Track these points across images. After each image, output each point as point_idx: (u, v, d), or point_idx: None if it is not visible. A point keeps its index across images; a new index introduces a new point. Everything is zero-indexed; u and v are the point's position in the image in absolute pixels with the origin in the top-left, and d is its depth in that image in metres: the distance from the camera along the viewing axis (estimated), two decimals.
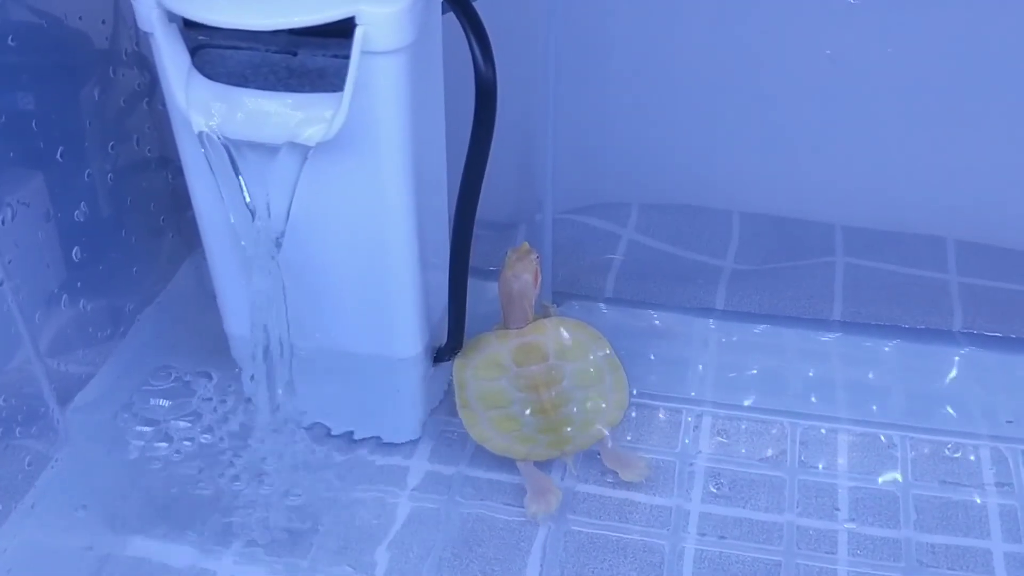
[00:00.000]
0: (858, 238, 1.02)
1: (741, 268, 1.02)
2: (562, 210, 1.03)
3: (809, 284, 0.99)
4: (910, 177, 0.98)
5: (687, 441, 0.88)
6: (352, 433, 0.88)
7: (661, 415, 0.91)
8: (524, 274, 0.84)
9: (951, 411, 0.90)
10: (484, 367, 0.85)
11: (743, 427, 0.90)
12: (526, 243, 0.87)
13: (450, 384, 0.88)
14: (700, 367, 0.95)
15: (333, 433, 0.88)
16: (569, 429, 0.83)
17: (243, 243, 0.73)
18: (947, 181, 0.97)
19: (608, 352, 0.86)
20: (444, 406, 0.90)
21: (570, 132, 0.95)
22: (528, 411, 0.84)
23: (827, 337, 0.96)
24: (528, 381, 0.84)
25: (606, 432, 0.85)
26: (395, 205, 0.73)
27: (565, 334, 0.86)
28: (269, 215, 0.72)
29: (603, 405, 0.84)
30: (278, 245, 0.73)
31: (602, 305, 1.00)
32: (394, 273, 0.77)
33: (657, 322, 0.99)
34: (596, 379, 0.85)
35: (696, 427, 0.90)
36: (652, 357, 0.96)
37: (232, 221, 0.72)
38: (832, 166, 0.99)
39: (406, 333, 0.81)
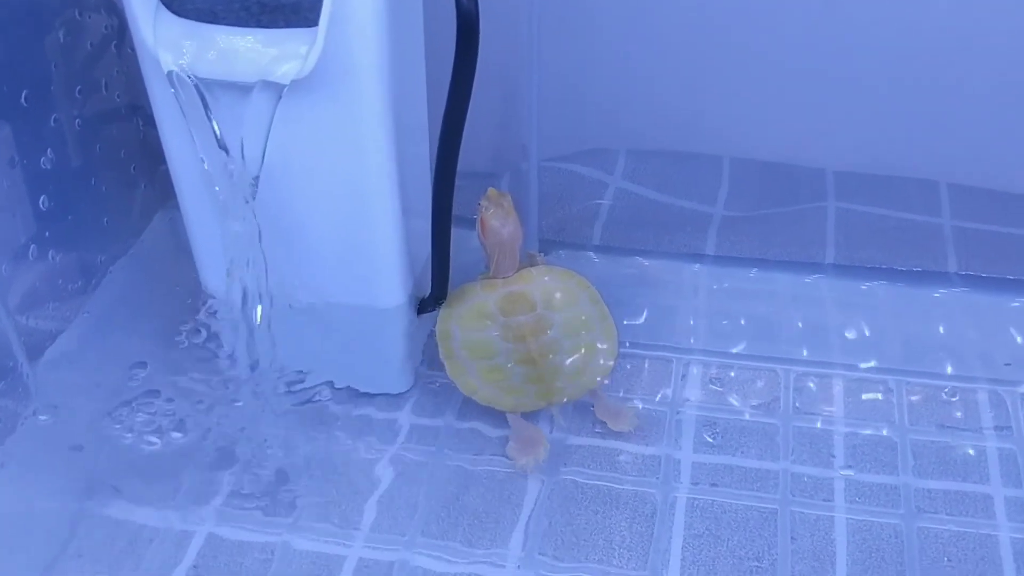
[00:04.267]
0: (850, 182, 0.99)
1: (731, 215, 0.99)
2: (547, 157, 1.00)
3: (801, 229, 0.96)
4: (902, 121, 0.95)
5: (677, 390, 0.86)
6: (335, 385, 0.85)
7: (650, 364, 0.88)
8: (510, 218, 0.82)
9: (947, 354, 0.88)
10: (470, 317, 0.82)
11: (735, 375, 0.88)
12: (493, 189, 0.84)
13: (432, 334, 0.84)
14: (690, 315, 0.93)
15: (315, 385, 0.85)
16: (557, 380, 0.81)
17: (216, 188, 0.70)
18: (939, 124, 0.94)
19: (597, 301, 0.84)
20: (429, 358, 0.88)
21: (554, 76, 0.92)
22: (515, 362, 0.81)
23: (820, 282, 0.94)
24: (515, 331, 0.81)
25: (595, 382, 0.82)
26: (374, 146, 0.71)
27: (552, 283, 0.83)
28: (243, 158, 0.69)
29: (592, 355, 0.82)
30: (253, 190, 0.70)
31: (590, 253, 0.97)
32: (374, 219, 0.75)
33: (646, 270, 0.96)
34: (585, 328, 0.83)
35: (685, 375, 0.88)
36: (641, 305, 0.93)
37: (205, 166, 0.70)
38: (823, 110, 0.95)
39: (388, 282, 0.79)
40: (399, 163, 0.72)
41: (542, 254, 0.89)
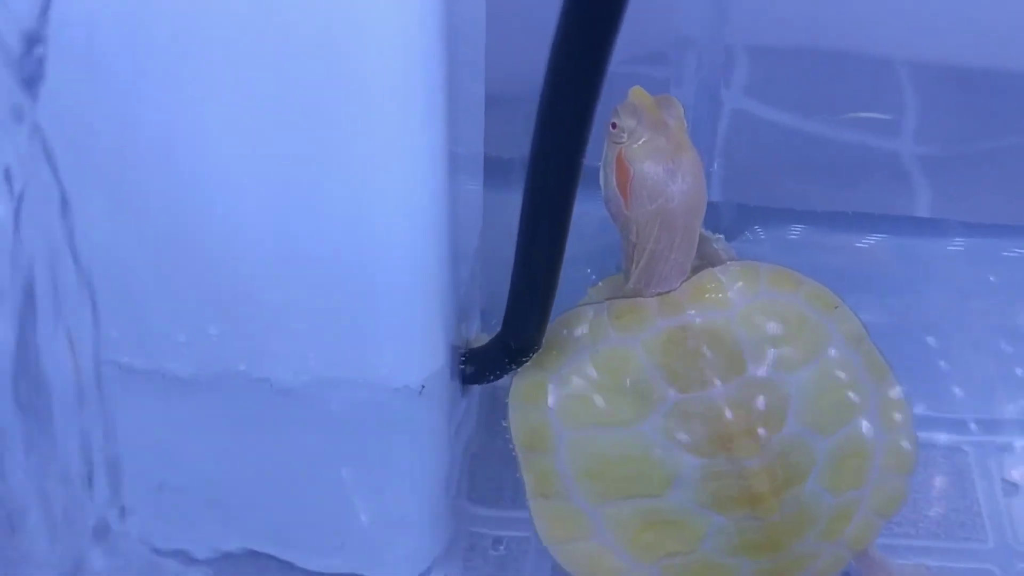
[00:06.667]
0: None
1: (931, 153, 0.55)
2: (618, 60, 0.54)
3: None
4: None
5: (1000, 517, 0.41)
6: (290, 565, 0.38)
7: (939, 465, 0.43)
8: (685, 157, 0.34)
9: None
10: (592, 392, 0.35)
11: None
12: (640, 89, 0.36)
13: (498, 434, 0.38)
14: (966, 348, 0.48)
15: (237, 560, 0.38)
16: (804, 538, 0.35)
17: None
18: None
19: (859, 337, 0.37)
20: (484, 484, 0.41)
21: None
22: (708, 502, 0.35)
23: None
24: (707, 426, 0.34)
25: (874, 534, 0.37)
26: None
27: (768, 302, 0.36)
28: None
29: (871, 466, 0.36)
30: (29, 83, 0.23)
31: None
32: (368, 167, 0.30)
33: (844, 251, 0.52)
34: (848, 403, 0.36)
35: (1005, 478, 0.42)
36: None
37: None
38: None
39: (410, 329, 0.33)
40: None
41: (720, 236, 0.41)
